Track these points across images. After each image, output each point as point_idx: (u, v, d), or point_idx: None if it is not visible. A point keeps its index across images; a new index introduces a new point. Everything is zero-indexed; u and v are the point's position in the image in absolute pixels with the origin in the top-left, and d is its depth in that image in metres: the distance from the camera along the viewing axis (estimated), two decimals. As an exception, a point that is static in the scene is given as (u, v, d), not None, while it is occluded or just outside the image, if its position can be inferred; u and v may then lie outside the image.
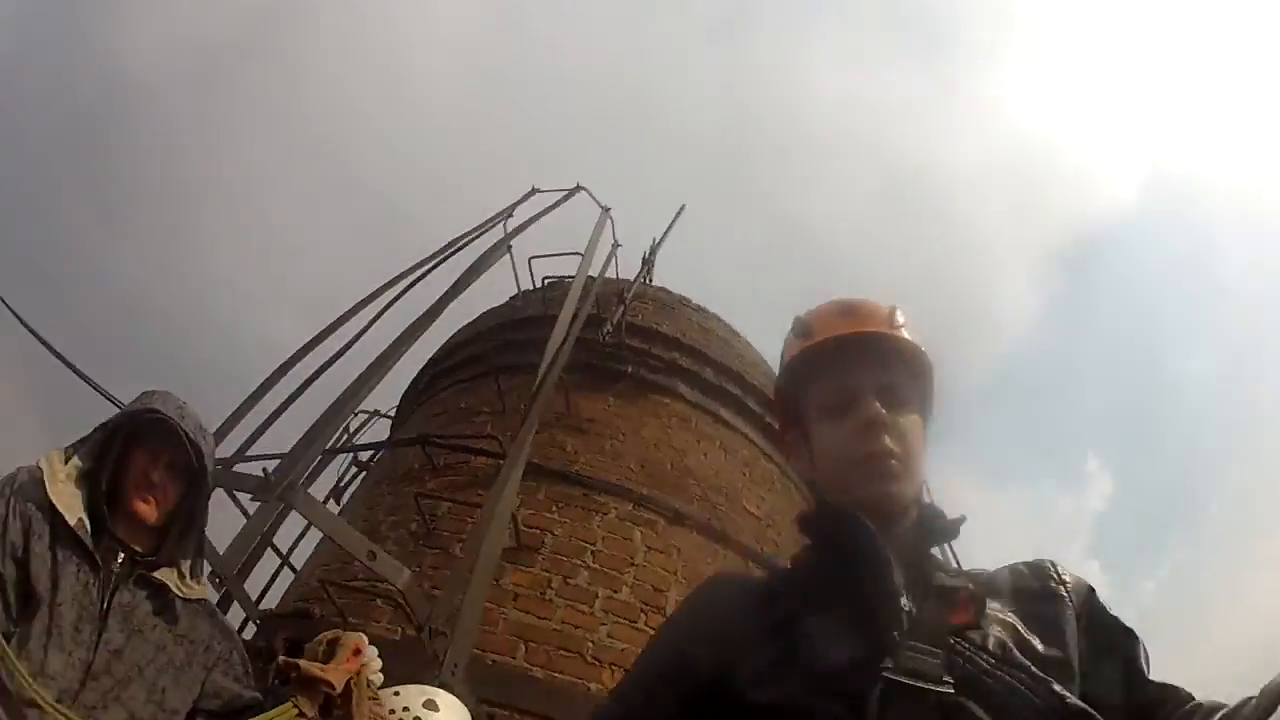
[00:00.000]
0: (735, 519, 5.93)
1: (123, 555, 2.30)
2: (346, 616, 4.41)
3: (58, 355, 5.79)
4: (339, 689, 2.32)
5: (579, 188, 7.47)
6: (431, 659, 3.49)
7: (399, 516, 5.45)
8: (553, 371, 5.38)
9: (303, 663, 2.37)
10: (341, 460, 7.15)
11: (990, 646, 1.14)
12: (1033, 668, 1.12)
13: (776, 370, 1.64)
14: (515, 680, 3.98)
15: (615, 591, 4.83)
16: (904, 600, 1.17)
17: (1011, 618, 1.20)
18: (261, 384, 5.04)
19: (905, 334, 1.40)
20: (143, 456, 2.34)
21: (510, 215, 7.17)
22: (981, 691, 1.09)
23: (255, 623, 4.71)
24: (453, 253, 6.78)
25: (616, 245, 7.47)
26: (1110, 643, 1.22)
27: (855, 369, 1.35)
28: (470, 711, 3.26)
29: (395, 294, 6.02)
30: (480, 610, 3.84)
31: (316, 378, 5.08)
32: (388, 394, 7.93)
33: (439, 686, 3.24)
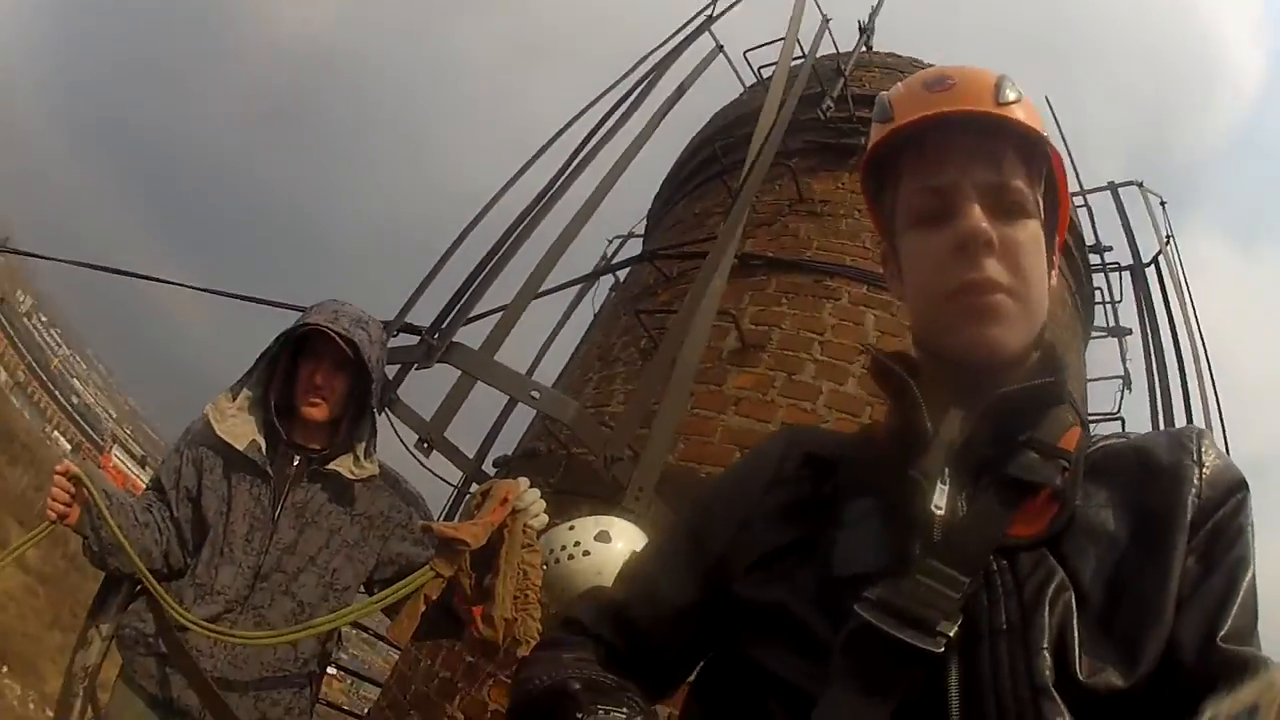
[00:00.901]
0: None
1: (298, 458, 2.54)
2: (570, 448, 4.56)
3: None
4: (476, 544, 2.27)
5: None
6: (615, 487, 3.51)
7: (629, 336, 5.47)
8: (764, 157, 5.01)
9: (435, 525, 2.41)
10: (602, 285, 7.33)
11: (1026, 591, 0.84)
12: (1044, 648, 0.80)
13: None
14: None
15: (841, 384, 4.53)
16: (938, 498, 0.90)
17: (1109, 531, 0.88)
18: (454, 241, 5.15)
19: (1019, 113, 1.02)
20: (307, 364, 2.53)
21: (713, 16, 6.63)
22: (974, 657, 0.82)
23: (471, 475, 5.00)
24: (654, 71, 6.42)
25: (826, 19, 6.62)
26: (1210, 573, 0.86)
27: (949, 163, 1.01)
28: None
29: (603, 123, 5.81)
30: (672, 427, 3.77)
31: (519, 227, 5.07)
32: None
33: (620, 513, 3.27)
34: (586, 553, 2.91)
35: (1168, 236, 7.17)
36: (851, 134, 6.02)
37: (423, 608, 2.28)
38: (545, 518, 2.48)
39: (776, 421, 4.36)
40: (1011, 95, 1.02)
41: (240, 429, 2.51)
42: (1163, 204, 7.45)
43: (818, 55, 6.35)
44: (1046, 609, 0.81)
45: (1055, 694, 0.77)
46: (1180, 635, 0.81)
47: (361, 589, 2.62)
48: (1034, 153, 1.03)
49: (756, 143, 5.11)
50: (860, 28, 6.93)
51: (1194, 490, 0.88)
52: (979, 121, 1.00)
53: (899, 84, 1.10)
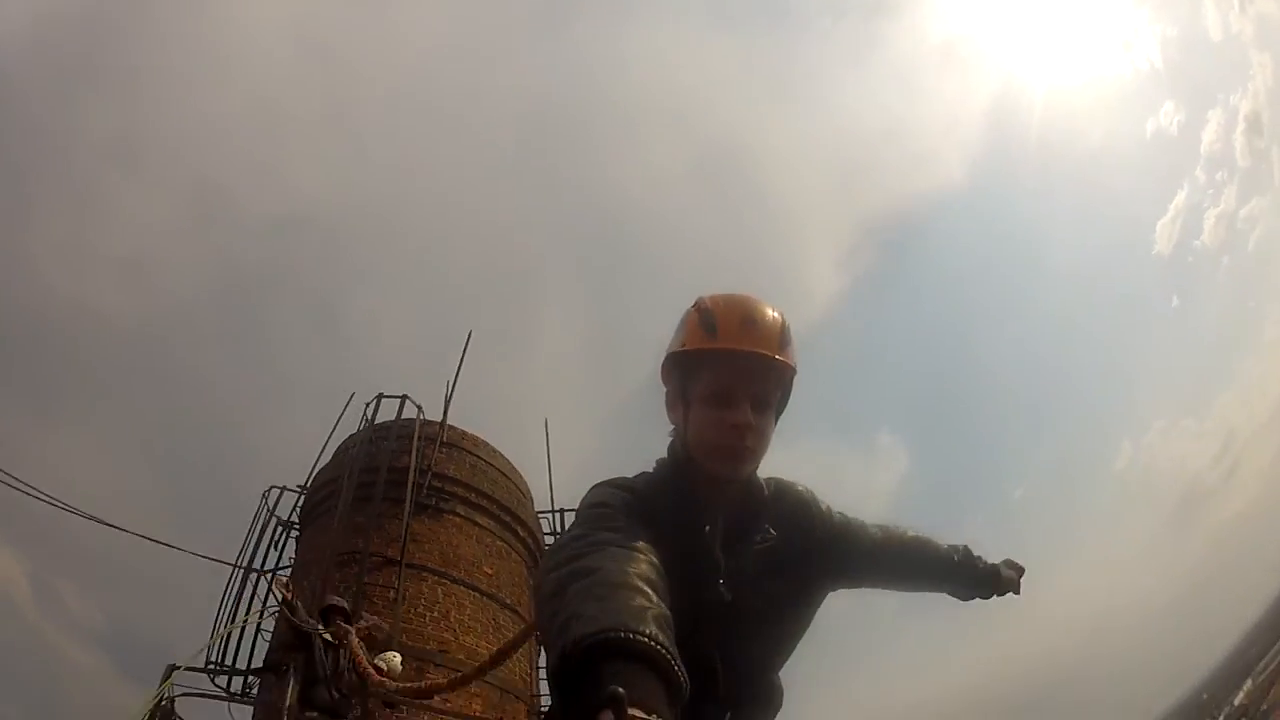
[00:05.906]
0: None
1: None
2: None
3: None
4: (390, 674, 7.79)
5: (406, 397, 13.12)
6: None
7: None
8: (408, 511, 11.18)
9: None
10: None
11: (765, 587, 1.76)
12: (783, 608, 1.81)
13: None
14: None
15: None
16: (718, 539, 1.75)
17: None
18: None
19: (789, 355, 1.74)
20: None
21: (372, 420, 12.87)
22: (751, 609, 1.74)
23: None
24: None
25: (421, 420, 13.09)
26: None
27: (741, 378, 1.70)
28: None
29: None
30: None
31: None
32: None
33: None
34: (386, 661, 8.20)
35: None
36: (427, 496, 12.36)
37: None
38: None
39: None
40: (788, 340, 1.74)
41: None
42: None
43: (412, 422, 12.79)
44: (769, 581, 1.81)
45: None
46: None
47: None
48: (786, 378, 1.78)
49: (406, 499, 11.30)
50: (446, 400, 13.20)
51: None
52: (767, 362, 1.70)
53: (718, 303, 1.78)
